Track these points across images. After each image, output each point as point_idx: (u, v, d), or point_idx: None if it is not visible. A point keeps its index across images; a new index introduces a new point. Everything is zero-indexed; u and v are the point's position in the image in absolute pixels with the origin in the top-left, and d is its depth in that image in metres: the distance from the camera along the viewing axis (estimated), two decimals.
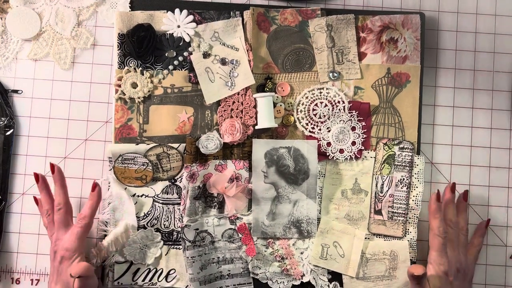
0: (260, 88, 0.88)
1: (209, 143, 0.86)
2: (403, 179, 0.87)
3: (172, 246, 0.87)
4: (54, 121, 0.89)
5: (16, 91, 0.90)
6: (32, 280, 0.88)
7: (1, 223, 0.88)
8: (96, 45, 0.91)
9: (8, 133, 0.88)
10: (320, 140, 0.88)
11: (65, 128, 0.90)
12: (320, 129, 0.88)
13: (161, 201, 0.87)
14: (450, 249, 0.82)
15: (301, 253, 0.87)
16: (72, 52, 0.90)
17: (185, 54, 0.88)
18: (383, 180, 0.87)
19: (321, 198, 0.88)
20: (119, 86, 0.87)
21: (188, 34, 0.88)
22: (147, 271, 0.86)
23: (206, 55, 0.88)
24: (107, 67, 0.90)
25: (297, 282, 0.86)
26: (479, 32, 0.92)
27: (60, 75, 0.90)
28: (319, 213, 0.87)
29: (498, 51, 0.92)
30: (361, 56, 0.88)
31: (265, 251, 0.87)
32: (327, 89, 0.88)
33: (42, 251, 0.88)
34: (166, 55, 0.88)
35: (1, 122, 0.88)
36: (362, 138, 0.88)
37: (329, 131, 0.88)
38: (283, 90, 0.89)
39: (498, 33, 0.92)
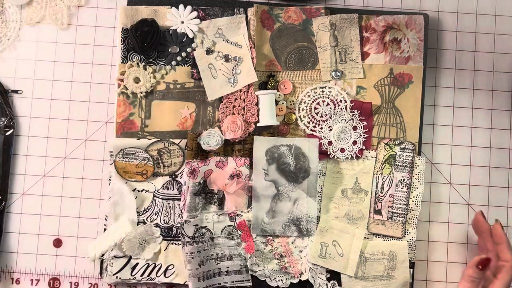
0: (263, 85, 0.88)
1: (211, 139, 0.86)
2: (404, 179, 0.87)
3: (171, 242, 0.87)
4: (54, 121, 0.89)
5: (16, 91, 0.89)
6: (32, 280, 0.87)
7: (1, 224, 0.87)
8: (96, 45, 0.90)
9: (8, 133, 0.88)
10: (322, 138, 0.88)
11: (65, 128, 0.90)
12: (321, 128, 0.88)
13: (161, 197, 0.87)
14: None
15: (300, 251, 0.87)
16: (67, 11, 0.90)
17: (188, 50, 0.88)
18: (384, 180, 0.87)
19: (321, 196, 0.88)
20: (122, 80, 0.87)
21: (191, 30, 0.88)
22: (145, 266, 0.86)
23: (209, 51, 0.88)
24: (107, 67, 0.90)
25: (296, 280, 0.86)
26: (479, 32, 0.92)
27: (60, 75, 0.90)
28: (319, 211, 0.87)
29: (498, 51, 0.92)
30: (364, 55, 0.89)
31: (264, 249, 0.87)
32: (329, 88, 0.88)
33: (41, 251, 0.88)
34: (169, 50, 0.88)
35: (1, 122, 0.88)
36: (363, 137, 0.88)
37: (330, 130, 0.88)
38: (286, 88, 0.89)
39: (498, 33, 0.92)
